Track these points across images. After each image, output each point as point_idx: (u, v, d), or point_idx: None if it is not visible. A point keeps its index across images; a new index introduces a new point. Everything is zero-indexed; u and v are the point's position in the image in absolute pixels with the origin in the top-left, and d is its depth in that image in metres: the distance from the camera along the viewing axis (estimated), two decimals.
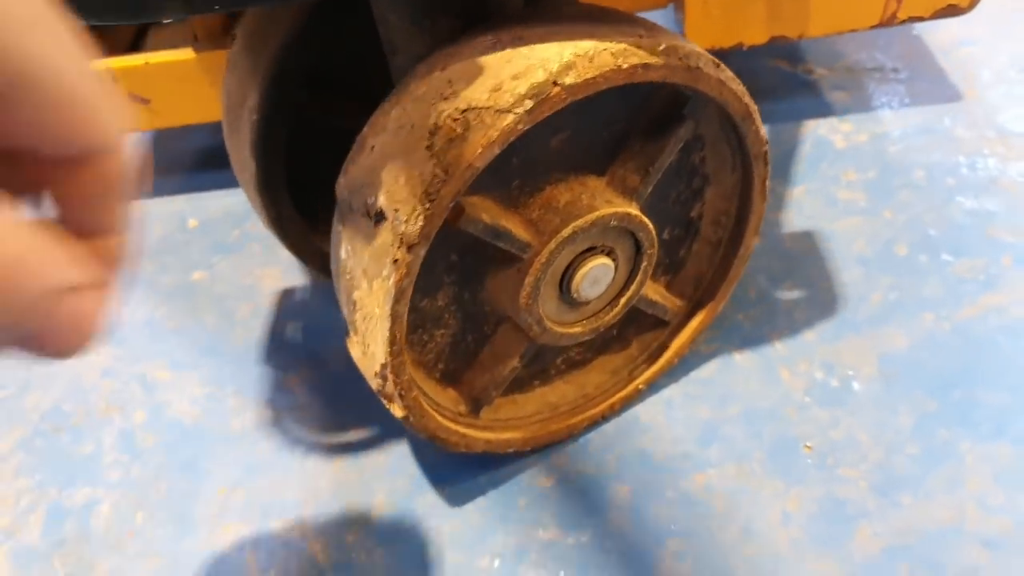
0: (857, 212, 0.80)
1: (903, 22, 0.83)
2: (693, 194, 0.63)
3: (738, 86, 0.55)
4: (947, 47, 0.97)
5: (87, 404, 0.76)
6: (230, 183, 0.96)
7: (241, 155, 0.68)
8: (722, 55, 0.84)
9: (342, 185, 0.53)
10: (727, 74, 0.54)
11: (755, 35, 0.83)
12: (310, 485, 0.67)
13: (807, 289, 0.74)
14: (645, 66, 0.48)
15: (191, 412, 0.74)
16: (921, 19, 0.83)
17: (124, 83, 0.86)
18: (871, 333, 0.70)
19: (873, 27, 0.83)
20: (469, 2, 0.54)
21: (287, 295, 0.83)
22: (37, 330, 0.22)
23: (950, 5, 0.82)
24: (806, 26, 0.83)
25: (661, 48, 0.49)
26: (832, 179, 0.83)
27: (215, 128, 0.89)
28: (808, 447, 0.63)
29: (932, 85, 0.93)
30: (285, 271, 0.85)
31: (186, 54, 0.86)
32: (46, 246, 0.22)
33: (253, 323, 0.81)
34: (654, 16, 1.03)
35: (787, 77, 0.96)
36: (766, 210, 0.63)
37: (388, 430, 0.69)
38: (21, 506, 0.69)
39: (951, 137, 0.86)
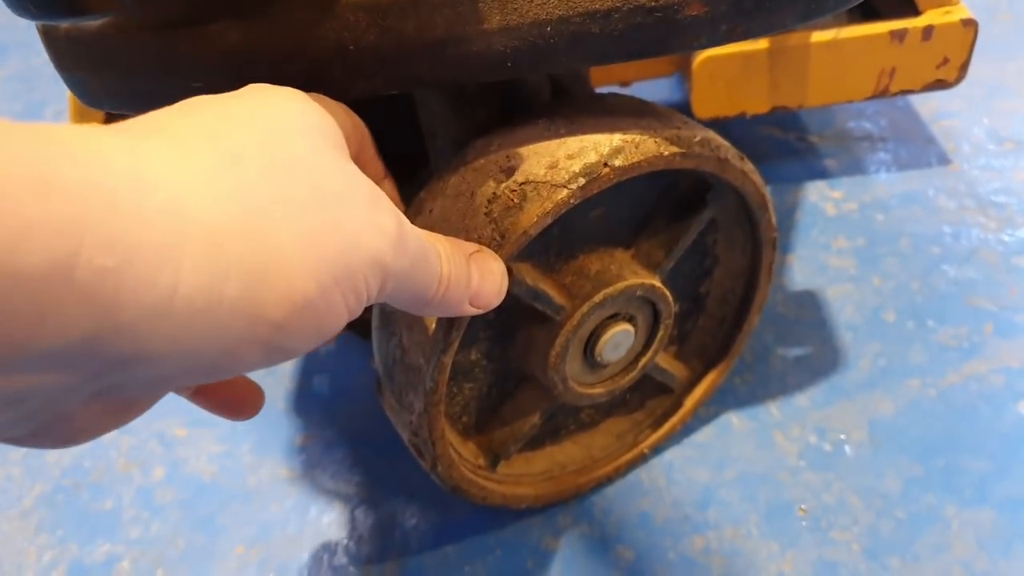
0: (847, 279, 0.84)
1: (895, 95, 0.88)
2: (703, 272, 0.68)
3: (758, 177, 0.60)
4: (930, 118, 1.02)
5: (107, 460, 0.79)
6: None
7: None
8: (725, 122, 0.89)
9: None
10: (749, 166, 0.60)
11: (757, 105, 0.88)
12: (325, 543, 0.69)
13: (800, 354, 0.78)
14: (683, 155, 0.54)
15: (208, 469, 0.77)
16: (911, 91, 0.88)
17: None
18: (861, 398, 0.73)
19: (867, 98, 0.88)
20: (504, 93, 0.59)
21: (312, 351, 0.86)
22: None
23: (938, 80, 0.87)
24: (805, 97, 0.88)
25: (697, 140, 0.55)
26: (823, 246, 0.87)
27: None
28: (803, 510, 0.66)
29: (917, 155, 0.98)
30: None
31: None
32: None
33: (269, 379, 0.84)
34: (660, 83, 1.08)
35: (780, 144, 1.01)
36: (775, 259, 0.68)
37: (400, 488, 0.72)
38: (43, 562, 0.71)
39: (935, 207, 0.91)
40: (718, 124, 0.89)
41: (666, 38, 0.49)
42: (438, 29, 0.48)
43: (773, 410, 0.73)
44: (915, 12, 0.84)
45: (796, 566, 0.63)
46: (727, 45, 0.84)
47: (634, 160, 0.53)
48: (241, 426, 0.80)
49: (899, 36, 0.83)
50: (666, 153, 0.54)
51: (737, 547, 0.64)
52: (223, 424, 0.80)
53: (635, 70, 0.95)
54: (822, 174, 0.96)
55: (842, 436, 0.71)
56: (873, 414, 0.72)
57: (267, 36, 0.48)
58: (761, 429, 0.72)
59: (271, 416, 0.80)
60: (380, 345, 0.60)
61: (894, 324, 0.79)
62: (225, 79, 0.49)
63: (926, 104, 1.03)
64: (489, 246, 0.51)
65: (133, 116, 0.35)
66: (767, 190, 0.61)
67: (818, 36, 0.83)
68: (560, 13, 0.48)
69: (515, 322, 0.60)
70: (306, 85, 0.50)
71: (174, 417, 0.82)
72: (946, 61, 0.85)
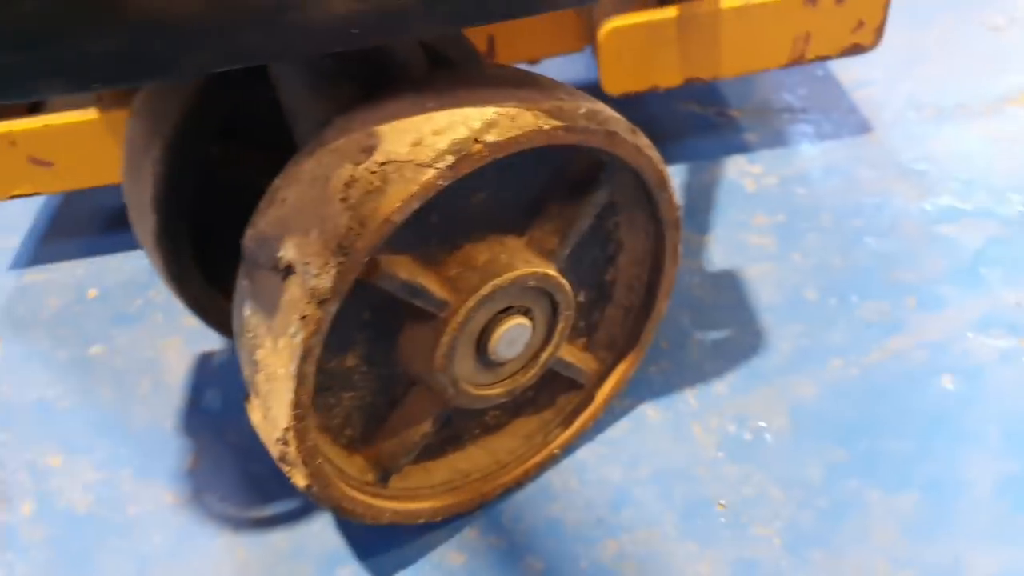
0: (767, 258, 0.80)
1: (811, 61, 0.84)
2: (607, 259, 0.63)
3: (654, 153, 0.55)
4: (850, 87, 0.99)
5: None
6: (136, 244, 0.92)
7: (140, 207, 0.65)
8: (637, 98, 0.84)
9: (249, 238, 0.51)
10: (643, 140, 0.54)
11: (669, 78, 0.83)
12: (212, 573, 0.63)
13: (719, 338, 0.74)
14: (566, 128, 0.49)
15: (84, 500, 0.69)
16: (828, 57, 0.84)
17: (24, 146, 0.83)
18: (781, 382, 0.70)
19: (783, 66, 0.84)
20: (370, 69, 0.53)
21: (204, 361, 0.80)
22: None
23: (855, 44, 0.84)
24: (718, 67, 0.83)
25: (582, 112, 0.50)
26: (742, 224, 0.84)
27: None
28: (721, 505, 0.62)
29: (837, 125, 0.95)
30: (188, 340, 0.82)
31: (90, 114, 0.82)
32: None
33: (154, 399, 0.77)
34: (571, 59, 1.03)
35: (699, 119, 0.97)
36: (679, 241, 0.63)
37: (291, 507, 0.66)
38: None
39: (856, 178, 0.87)
40: (634, 100, 0.84)
41: None
42: None
43: (691, 399, 0.69)
44: None
45: (715, 567, 0.59)
46: (633, 15, 0.80)
47: (510, 135, 0.47)
48: (122, 450, 0.73)
49: (812, 0, 0.79)
50: (546, 127, 0.49)
51: (653, 550, 0.60)
52: (102, 448, 0.73)
53: (543, 46, 0.89)
54: (742, 148, 0.92)
55: (762, 423, 0.67)
56: (794, 399, 0.68)
57: (70, 7, 0.41)
58: (678, 420, 0.68)
59: (156, 437, 0.73)
60: (242, 354, 0.53)
61: (816, 302, 0.76)
62: (24, 56, 0.42)
63: (846, 73, 1.00)
64: (347, 236, 0.45)
65: None
66: (665, 166, 0.56)
67: (728, 2, 0.79)
68: None
69: (395, 321, 0.54)
70: (124, 61, 0.44)
71: (47, 443, 0.74)
72: (861, 24, 0.82)
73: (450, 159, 0.46)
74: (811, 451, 0.65)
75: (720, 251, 0.81)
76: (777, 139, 0.93)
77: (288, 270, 0.48)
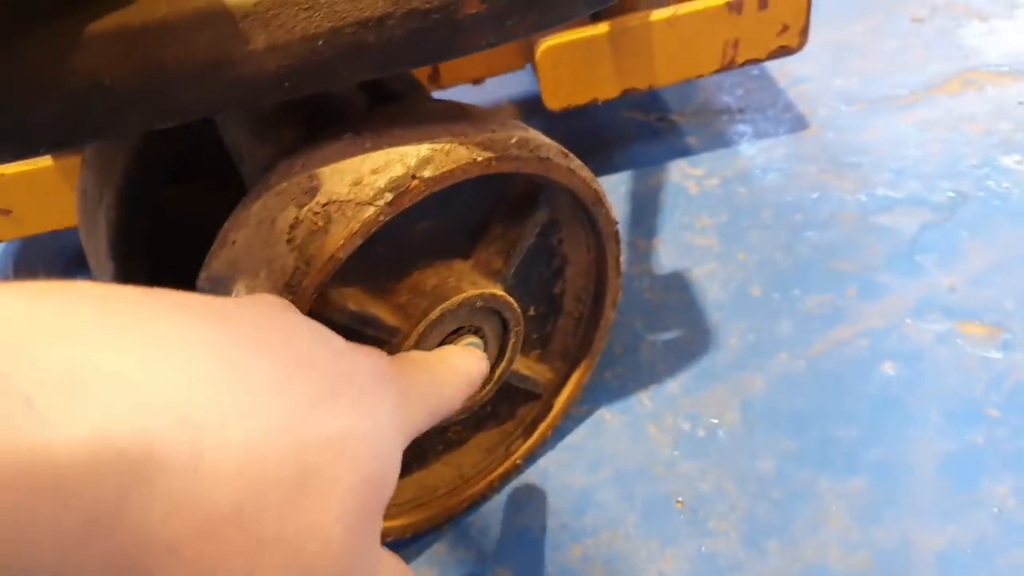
0: (712, 257, 0.83)
1: (742, 64, 0.88)
2: (554, 273, 0.65)
3: (586, 173, 0.58)
4: (786, 84, 1.02)
5: None
6: None
7: (98, 257, 0.66)
8: (580, 109, 0.87)
9: (203, 279, 0.53)
10: (575, 163, 0.57)
11: (607, 90, 0.86)
12: None
13: (670, 339, 0.77)
14: (499, 158, 0.51)
15: None
16: (758, 61, 0.88)
17: None
18: (731, 378, 0.73)
19: (716, 72, 0.87)
20: (310, 110, 0.55)
21: None
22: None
23: (782, 46, 0.87)
24: (654, 77, 0.86)
25: (513, 141, 0.52)
26: (687, 226, 0.86)
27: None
28: (680, 503, 0.65)
29: (775, 124, 0.98)
30: None
31: (44, 162, 0.83)
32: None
33: None
34: (512, 77, 1.06)
35: (641, 126, 1.00)
36: (626, 265, 0.66)
37: None
38: None
39: (795, 174, 0.91)
40: (578, 112, 0.87)
41: (450, 40, 0.46)
42: (200, 54, 0.44)
43: (645, 401, 0.72)
44: None
45: (676, 563, 0.61)
46: (567, 32, 0.83)
47: (445, 169, 0.50)
48: None
49: (736, 7, 0.82)
50: (480, 159, 0.51)
51: (616, 551, 0.63)
52: None
53: (484, 67, 0.92)
54: (684, 152, 0.95)
55: (715, 420, 0.70)
56: (744, 394, 0.71)
57: (8, 80, 0.43)
58: (634, 422, 0.70)
59: None
60: None
61: (760, 298, 0.79)
62: None
63: (781, 71, 1.04)
64: (294, 275, 0.48)
65: None
66: (598, 184, 0.59)
67: (657, 15, 0.82)
68: (330, 25, 0.44)
69: None
70: (65, 125, 0.45)
71: None
72: (786, 28, 0.85)
73: (389, 196, 0.48)
74: (763, 444, 0.68)
75: (667, 254, 0.84)
76: (717, 141, 0.96)
77: None
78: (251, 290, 0.49)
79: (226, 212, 0.69)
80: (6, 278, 0.98)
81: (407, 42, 0.45)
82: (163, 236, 0.68)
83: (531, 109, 1.05)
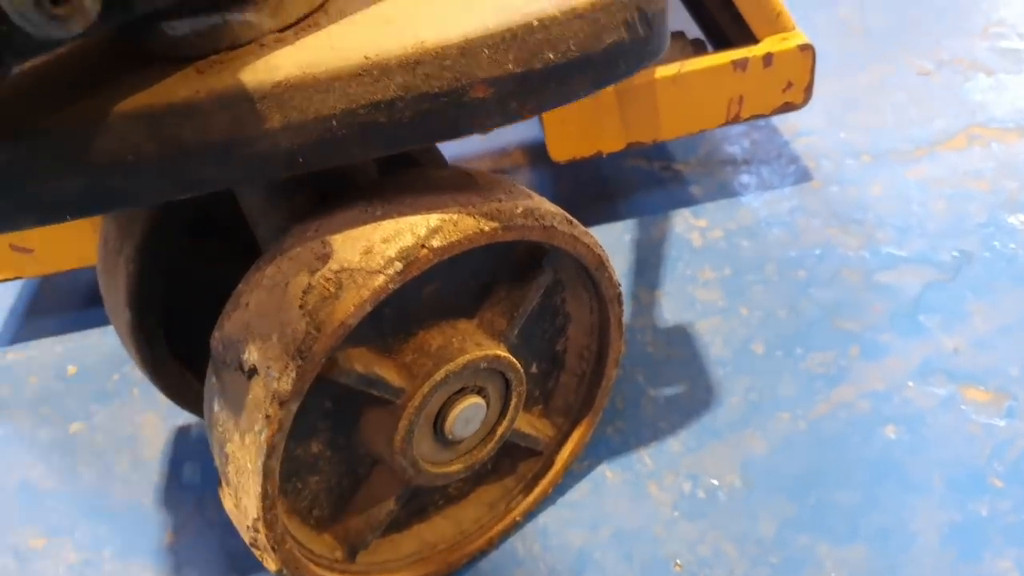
0: (715, 312, 0.84)
1: (746, 120, 0.89)
2: (557, 331, 0.67)
3: (590, 239, 0.59)
4: (791, 136, 1.03)
5: None
6: None
7: (116, 303, 0.68)
8: (584, 162, 0.88)
9: (216, 339, 0.54)
10: (580, 229, 0.58)
11: (612, 143, 0.88)
12: None
13: (672, 394, 0.77)
14: (505, 227, 0.53)
15: None
16: (762, 116, 0.89)
17: (5, 235, 0.85)
18: (733, 438, 0.73)
19: (719, 126, 0.89)
20: (322, 179, 0.57)
21: (181, 435, 0.82)
22: None
23: (786, 103, 0.89)
24: (658, 131, 0.88)
25: (519, 211, 0.54)
26: (690, 279, 0.87)
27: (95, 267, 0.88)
28: (678, 565, 0.65)
29: (780, 175, 0.99)
30: (166, 416, 0.84)
31: None
32: None
33: (133, 476, 0.79)
34: (518, 128, 1.07)
35: (645, 175, 1.01)
36: (629, 317, 0.67)
37: None
38: None
39: (799, 228, 0.92)
40: (582, 161, 0.88)
41: (456, 121, 0.47)
42: (218, 133, 0.45)
43: (646, 459, 0.73)
44: (755, 40, 0.85)
45: None
46: None
47: (453, 239, 0.51)
48: (103, 530, 0.75)
49: (741, 65, 0.84)
50: (487, 228, 0.52)
51: None
52: (83, 529, 0.75)
53: None
54: (687, 202, 0.96)
55: (715, 481, 0.70)
56: (745, 454, 0.72)
57: (36, 153, 0.44)
58: (635, 481, 0.71)
59: (136, 515, 0.76)
60: (214, 446, 0.56)
61: (763, 355, 0.79)
62: (3, 195, 0.46)
63: (786, 123, 1.05)
64: (305, 340, 0.49)
65: None
66: (602, 249, 0.60)
67: (662, 72, 0.83)
68: (343, 107, 0.46)
69: (355, 408, 0.58)
70: (89, 197, 0.47)
71: (31, 525, 0.76)
72: (790, 85, 0.86)
73: (399, 265, 0.49)
74: (763, 507, 0.68)
75: (670, 307, 0.85)
76: (721, 191, 0.97)
77: (252, 371, 0.51)
78: (263, 353, 0.51)
79: (238, 266, 0.70)
80: (23, 314, 1.00)
81: (416, 122, 0.47)
82: (178, 284, 0.69)
83: (538, 156, 1.06)
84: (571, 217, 0.58)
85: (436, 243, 0.50)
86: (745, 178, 0.99)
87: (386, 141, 0.47)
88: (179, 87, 0.45)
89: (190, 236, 0.69)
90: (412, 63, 0.44)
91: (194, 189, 0.47)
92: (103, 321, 0.96)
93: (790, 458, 0.71)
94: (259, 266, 0.54)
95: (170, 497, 0.77)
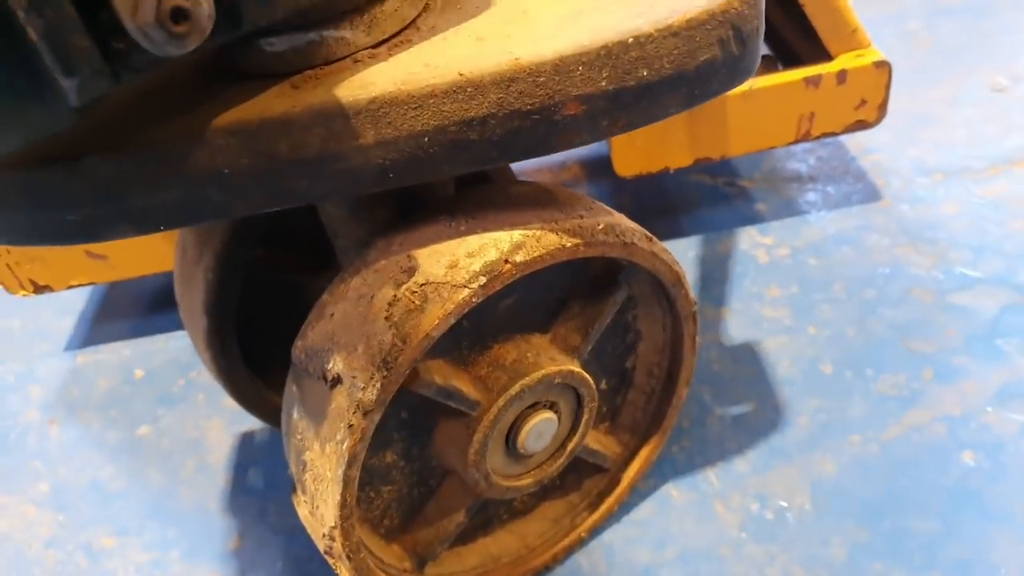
0: (782, 330, 0.83)
1: (816, 138, 0.88)
2: (627, 348, 0.66)
3: (668, 256, 0.59)
4: (858, 152, 1.02)
5: None
6: (177, 325, 0.97)
7: (193, 311, 0.69)
8: (646, 176, 0.88)
9: (299, 348, 0.55)
10: (658, 246, 0.58)
11: (679, 159, 0.87)
12: None
13: (738, 413, 0.76)
14: (586, 244, 0.53)
15: None
16: (833, 134, 0.88)
17: None
18: (801, 459, 0.72)
19: (789, 144, 0.88)
20: (403, 193, 0.57)
21: (245, 440, 0.83)
22: None
23: (858, 121, 0.87)
24: (727, 147, 0.87)
25: (600, 227, 0.54)
26: (757, 296, 0.86)
27: (165, 273, 0.91)
28: None
29: (847, 192, 0.97)
30: (230, 421, 0.86)
31: None
32: None
33: (199, 480, 0.81)
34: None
35: (709, 190, 1.00)
36: (696, 332, 0.66)
37: None
38: None
39: (867, 247, 0.90)
40: (645, 180, 0.88)
41: (546, 138, 0.47)
42: (312, 148, 0.46)
43: (712, 478, 0.72)
44: (829, 57, 0.84)
45: None
46: None
47: (536, 254, 0.52)
48: (171, 532, 0.76)
49: (814, 82, 0.83)
50: (568, 244, 0.53)
51: None
52: (151, 530, 0.77)
53: None
54: (753, 219, 0.95)
55: (783, 503, 0.69)
56: (815, 476, 0.70)
57: (138, 166, 0.46)
58: (701, 500, 0.70)
59: (202, 518, 0.77)
60: (290, 453, 0.57)
61: (832, 375, 0.78)
62: (99, 210, 0.47)
63: (853, 139, 1.03)
64: (391, 352, 0.50)
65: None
66: (680, 267, 0.59)
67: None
68: (435, 123, 0.46)
69: (430, 420, 0.58)
70: (184, 208, 0.48)
71: (102, 525, 0.78)
72: (864, 103, 0.85)
73: (483, 280, 0.50)
74: (833, 531, 0.67)
75: (737, 324, 0.84)
76: (787, 208, 0.96)
77: (336, 381, 0.52)
78: (348, 363, 0.51)
79: (312, 276, 0.71)
80: (92, 318, 1.03)
81: (506, 139, 0.47)
82: (253, 293, 0.71)
83: (598, 170, 1.06)
84: (650, 234, 0.58)
85: (519, 258, 0.51)
86: (811, 195, 0.97)
87: (475, 158, 0.47)
88: (275, 102, 0.46)
89: (266, 245, 0.70)
90: (506, 80, 0.44)
91: (286, 202, 0.48)
92: (168, 326, 0.98)
93: (862, 482, 0.69)
94: (344, 278, 0.55)
95: (235, 502, 0.78)
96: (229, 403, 0.84)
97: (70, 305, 1.04)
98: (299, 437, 0.55)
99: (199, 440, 0.85)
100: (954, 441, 0.71)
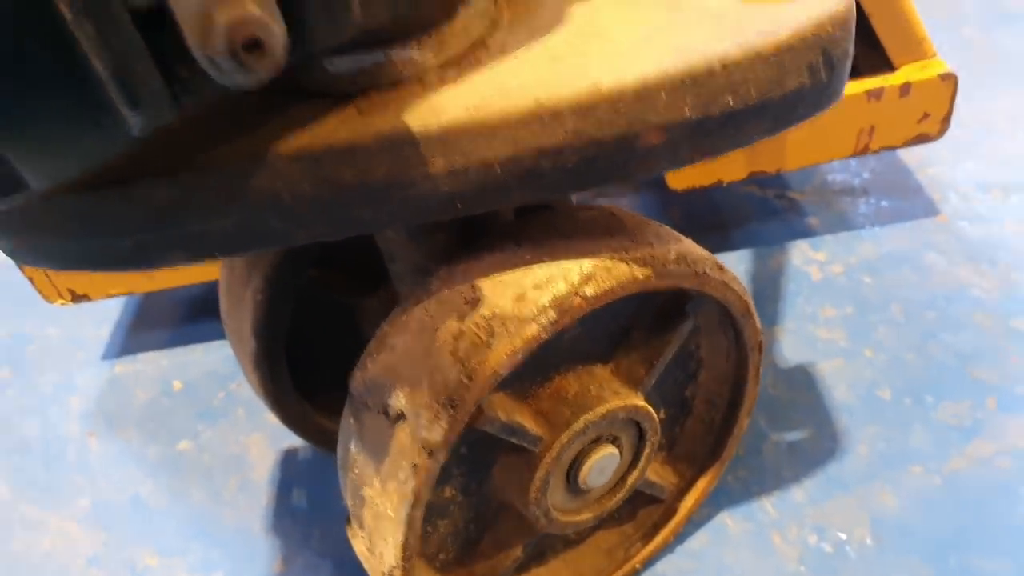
0: (838, 352, 0.80)
1: (876, 151, 0.85)
2: (688, 376, 0.64)
3: (738, 285, 0.57)
4: (915, 166, 0.99)
5: None
6: (215, 335, 0.96)
7: (241, 333, 0.68)
8: (702, 190, 0.86)
9: (358, 380, 0.53)
10: (729, 275, 0.56)
11: (734, 173, 0.84)
12: None
13: (795, 440, 0.74)
14: (659, 275, 0.51)
15: None
16: (893, 147, 0.85)
17: None
18: (861, 490, 0.69)
19: (847, 157, 0.85)
20: (464, 219, 0.55)
21: (288, 458, 0.82)
22: None
23: (920, 135, 0.84)
24: (783, 161, 0.84)
25: (672, 257, 0.52)
26: (810, 316, 0.84)
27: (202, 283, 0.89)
28: None
29: (902, 207, 0.94)
30: (271, 437, 0.84)
31: None
32: None
33: (241, 499, 0.79)
34: None
35: (759, 203, 0.98)
36: (761, 362, 0.64)
37: None
38: None
39: (925, 266, 0.87)
40: (697, 193, 0.86)
41: (623, 167, 0.45)
42: (378, 175, 0.44)
43: (769, 508, 0.69)
44: (891, 68, 0.81)
45: None
46: None
47: (607, 287, 0.49)
48: (214, 553, 0.75)
49: (876, 95, 0.80)
50: (640, 276, 0.50)
51: None
52: (195, 550, 0.76)
53: None
54: (804, 233, 0.93)
55: (843, 536, 0.66)
56: (875, 508, 0.68)
57: (195, 191, 0.44)
58: (758, 531, 0.68)
59: (245, 539, 0.76)
60: (347, 487, 0.55)
61: (891, 402, 0.75)
62: (152, 235, 0.46)
63: (909, 151, 1.00)
64: (457, 390, 0.48)
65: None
66: (749, 296, 0.57)
67: None
68: (508, 152, 0.44)
69: (490, 456, 0.56)
70: (241, 236, 0.47)
71: (144, 543, 0.77)
72: (926, 116, 0.82)
73: (552, 314, 0.48)
74: (896, 567, 0.64)
75: (790, 345, 0.82)
76: (840, 223, 0.93)
77: (399, 417, 0.50)
78: (412, 399, 0.49)
79: (364, 298, 0.69)
80: (129, 327, 1.02)
81: (580, 168, 0.45)
82: (302, 314, 0.69)
83: (646, 181, 1.04)
84: (720, 262, 0.55)
85: (590, 291, 0.48)
86: (865, 209, 0.95)
87: (547, 187, 0.45)
88: (340, 127, 0.44)
89: (318, 266, 0.68)
90: (586, 108, 0.42)
91: (348, 230, 0.46)
92: (206, 336, 0.97)
93: (925, 516, 0.67)
94: (405, 307, 0.53)
95: (279, 523, 0.77)
96: (270, 418, 0.83)
97: (106, 313, 1.03)
98: (357, 472, 0.53)
99: (241, 456, 0.83)
100: (1021, 476, 0.69)
